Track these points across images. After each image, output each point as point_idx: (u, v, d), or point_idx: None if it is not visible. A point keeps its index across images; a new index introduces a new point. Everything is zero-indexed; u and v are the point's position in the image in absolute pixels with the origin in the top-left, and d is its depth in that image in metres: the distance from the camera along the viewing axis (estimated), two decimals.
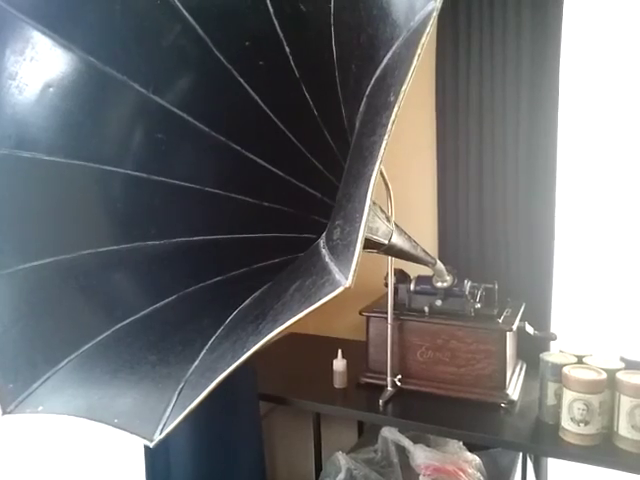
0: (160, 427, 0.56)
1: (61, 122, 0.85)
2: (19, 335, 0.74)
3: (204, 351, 0.65)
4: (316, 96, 0.90)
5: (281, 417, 2.02)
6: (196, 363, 0.62)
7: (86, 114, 0.86)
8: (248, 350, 0.49)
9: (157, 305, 0.81)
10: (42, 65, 0.84)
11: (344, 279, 0.43)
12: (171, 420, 0.56)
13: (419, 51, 0.45)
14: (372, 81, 0.55)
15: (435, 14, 0.45)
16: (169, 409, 0.57)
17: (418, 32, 0.46)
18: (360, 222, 0.43)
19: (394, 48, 0.51)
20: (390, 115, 0.45)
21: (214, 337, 0.67)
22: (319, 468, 1.76)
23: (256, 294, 0.69)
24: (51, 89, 0.85)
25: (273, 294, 0.63)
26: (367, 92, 0.56)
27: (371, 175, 0.44)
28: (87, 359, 0.72)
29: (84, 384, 0.69)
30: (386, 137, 0.45)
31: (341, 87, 0.76)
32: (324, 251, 0.52)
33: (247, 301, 0.71)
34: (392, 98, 0.46)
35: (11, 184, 0.84)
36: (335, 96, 0.82)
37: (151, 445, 0.56)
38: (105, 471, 1.44)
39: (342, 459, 1.61)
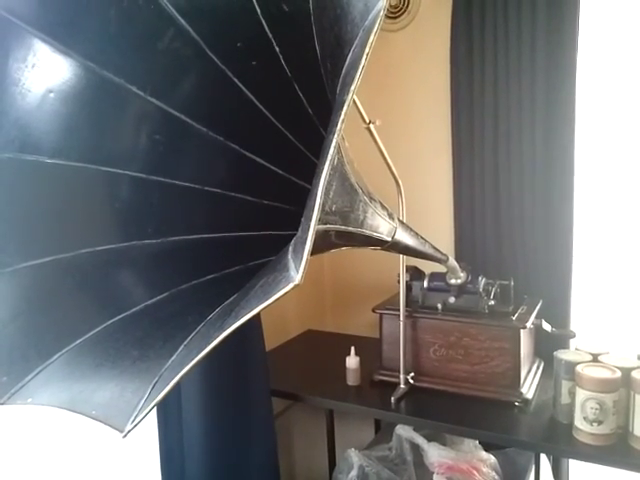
0: (132, 419, 0.58)
1: (62, 126, 0.88)
2: (16, 331, 0.78)
3: (181, 347, 0.67)
4: (309, 94, 0.91)
5: (298, 414, 2.04)
6: (173, 358, 0.64)
7: (85, 118, 0.89)
8: (209, 344, 0.51)
9: (149, 302, 0.84)
10: (43, 71, 0.87)
11: (296, 276, 0.44)
12: (141, 412, 0.58)
13: (367, 50, 0.45)
14: (340, 80, 0.56)
15: (382, 13, 0.45)
16: (142, 402, 0.59)
17: (369, 31, 0.46)
18: (311, 219, 0.44)
19: (353, 47, 0.52)
20: (340, 114, 0.46)
21: (194, 333, 0.69)
22: (333, 465, 1.77)
23: (241, 291, 0.71)
24: (52, 94, 0.88)
25: (245, 290, 0.64)
26: (337, 90, 0.57)
27: (321, 173, 0.45)
28: (76, 354, 0.75)
29: (70, 378, 0.72)
30: (335, 136, 0.45)
31: (327, 85, 0.77)
32: (290, 248, 0.53)
33: (231, 298, 0.72)
34: (345, 97, 0.46)
35: (15, 186, 0.87)
36: (325, 94, 0.82)
37: (122, 436, 0.58)
38: (121, 468, 1.49)
39: (355, 456, 1.62)
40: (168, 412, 1.51)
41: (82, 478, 1.40)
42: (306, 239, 0.44)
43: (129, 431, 0.57)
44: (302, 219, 0.49)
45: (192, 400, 1.43)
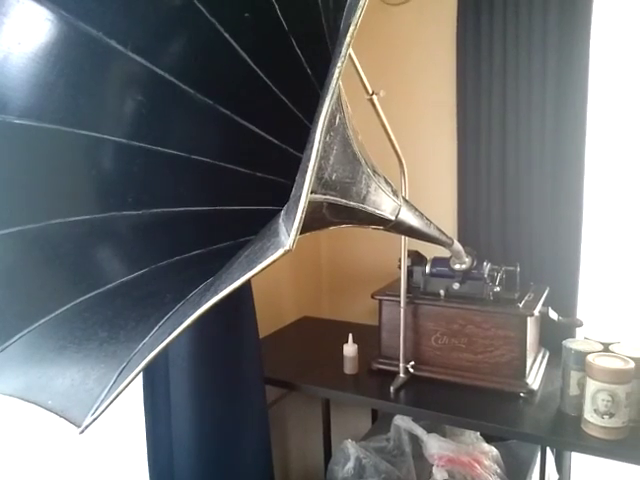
0: (92, 411, 0.50)
1: (32, 82, 0.79)
2: None
3: (156, 328, 0.58)
4: (308, 51, 0.82)
5: (293, 404, 1.97)
6: (145, 341, 0.56)
7: (58, 73, 0.79)
8: (181, 324, 0.42)
9: (125, 279, 0.75)
10: (9, 19, 0.77)
11: (287, 241, 0.36)
12: (103, 403, 0.49)
13: None
14: (345, 8, 0.47)
15: None
16: (105, 391, 0.51)
17: None
18: (306, 172, 0.36)
19: None
20: (346, 37, 0.37)
21: (170, 313, 0.60)
22: (328, 456, 1.70)
23: (225, 265, 0.62)
24: (20, 45, 0.78)
25: (230, 264, 0.56)
26: (342, 21, 0.48)
27: (320, 114, 0.36)
28: (39, 335, 0.66)
29: (28, 361, 0.64)
30: (339, 65, 0.37)
31: (328, 37, 0.68)
32: (282, 212, 0.45)
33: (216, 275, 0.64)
34: (351, 19, 0.37)
35: None
36: (326, 50, 0.73)
37: (79, 431, 0.50)
38: (108, 459, 1.42)
39: (351, 447, 1.55)
40: (156, 400, 1.44)
41: (65, 468, 1.32)
42: (300, 196, 0.36)
43: (87, 426, 0.49)
44: (297, 177, 0.41)
45: (181, 388, 1.35)
